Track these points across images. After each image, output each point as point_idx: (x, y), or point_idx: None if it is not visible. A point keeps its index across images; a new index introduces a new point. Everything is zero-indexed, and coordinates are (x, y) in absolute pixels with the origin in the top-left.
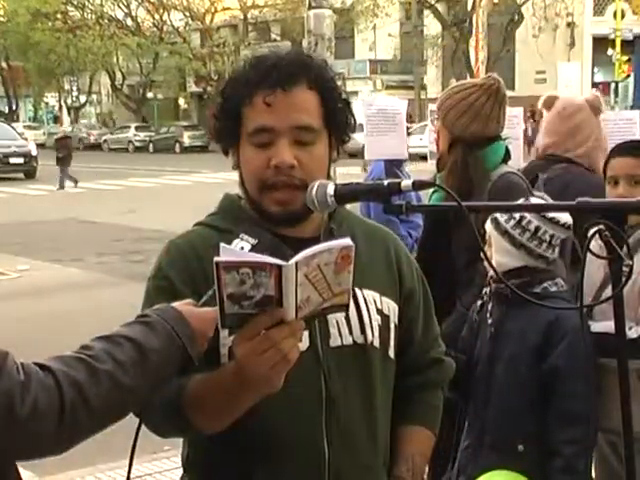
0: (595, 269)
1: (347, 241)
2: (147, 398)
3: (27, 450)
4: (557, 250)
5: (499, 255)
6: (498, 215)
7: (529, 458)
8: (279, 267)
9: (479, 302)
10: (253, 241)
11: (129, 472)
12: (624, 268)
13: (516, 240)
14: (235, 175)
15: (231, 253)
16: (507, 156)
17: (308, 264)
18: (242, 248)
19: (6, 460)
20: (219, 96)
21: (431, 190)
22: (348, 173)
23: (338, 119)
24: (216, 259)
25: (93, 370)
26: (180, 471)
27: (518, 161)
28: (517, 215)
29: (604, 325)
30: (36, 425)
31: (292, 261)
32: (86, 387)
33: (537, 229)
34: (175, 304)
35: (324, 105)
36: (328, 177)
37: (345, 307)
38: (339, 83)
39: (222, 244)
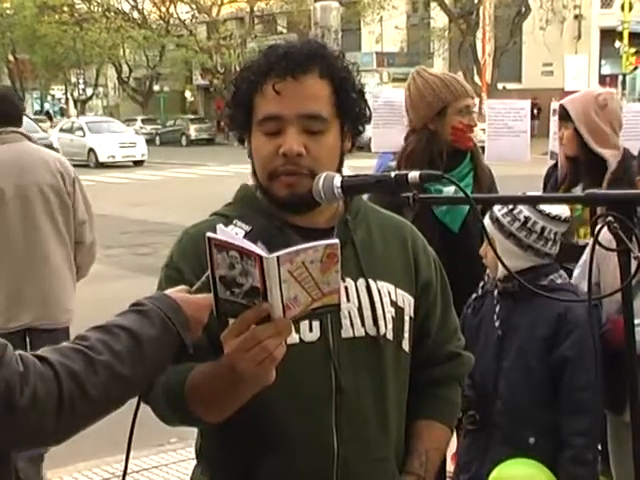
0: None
1: (333, 240)
2: (143, 386)
3: (26, 440)
4: (558, 245)
5: (505, 257)
6: (500, 216)
7: (540, 450)
8: (261, 258)
9: (473, 300)
10: (247, 227)
11: (126, 464)
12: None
13: (523, 242)
14: (242, 168)
15: (226, 235)
16: None
17: (292, 260)
18: (236, 234)
19: (5, 450)
20: (232, 84)
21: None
22: (355, 165)
23: (351, 109)
24: (208, 234)
25: (90, 360)
26: (186, 463)
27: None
28: (521, 217)
29: None
30: (35, 415)
31: (274, 254)
32: (84, 377)
33: (543, 229)
34: (169, 291)
35: (336, 94)
36: (340, 167)
37: (337, 307)
38: (354, 74)
39: (219, 225)
